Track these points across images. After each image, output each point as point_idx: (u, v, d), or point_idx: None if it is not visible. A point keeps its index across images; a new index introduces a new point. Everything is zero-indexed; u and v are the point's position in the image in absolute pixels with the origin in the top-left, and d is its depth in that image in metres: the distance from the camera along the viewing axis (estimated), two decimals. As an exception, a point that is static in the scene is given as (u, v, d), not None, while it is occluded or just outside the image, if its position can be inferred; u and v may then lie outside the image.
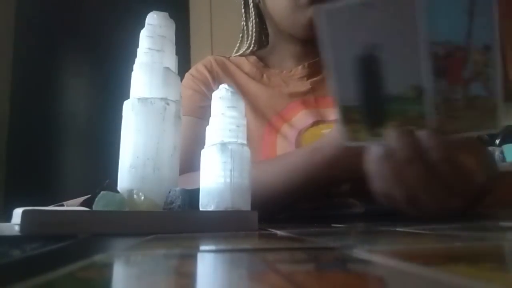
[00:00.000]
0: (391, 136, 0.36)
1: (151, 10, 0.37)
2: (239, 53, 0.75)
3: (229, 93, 0.37)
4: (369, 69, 0.36)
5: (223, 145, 0.35)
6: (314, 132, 0.61)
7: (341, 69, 0.37)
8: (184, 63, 0.43)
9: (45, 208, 0.29)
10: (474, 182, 0.37)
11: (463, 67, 0.33)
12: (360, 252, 0.17)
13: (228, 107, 0.36)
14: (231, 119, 0.36)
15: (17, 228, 0.26)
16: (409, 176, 0.36)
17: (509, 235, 0.25)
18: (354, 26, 0.35)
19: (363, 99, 0.37)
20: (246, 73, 0.70)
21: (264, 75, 0.70)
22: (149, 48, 0.35)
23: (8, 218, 0.29)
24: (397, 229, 0.30)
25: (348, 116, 0.39)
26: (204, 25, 1.87)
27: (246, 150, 0.36)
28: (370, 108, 0.38)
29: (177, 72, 0.37)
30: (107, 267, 0.15)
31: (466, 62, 0.33)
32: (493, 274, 0.12)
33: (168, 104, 0.34)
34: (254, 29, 0.73)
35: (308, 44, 0.66)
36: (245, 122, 0.37)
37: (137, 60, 0.36)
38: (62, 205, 0.40)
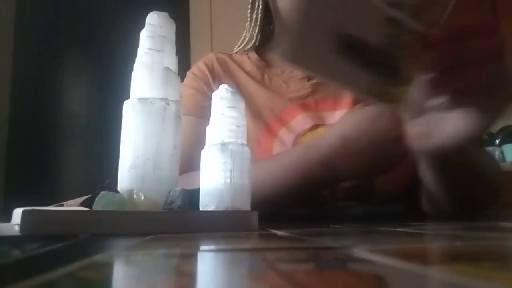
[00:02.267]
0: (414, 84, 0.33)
1: (151, 10, 0.37)
2: (241, 46, 0.73)
3: (229, 93, 0.37)
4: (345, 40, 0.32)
5: (223, 145, 0.35)
6: (312, 136, 0.59)
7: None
8: (184, 63, 0.43)
9: (45, 208, 0.29)
10: None
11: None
12: (360, 252, 0.17)
13: (228, 107, 0.36)
14: (231, 119, 0.36)
15: (17, 228, 0.26)
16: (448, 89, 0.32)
17: (509, 235, 0.25)
18: None
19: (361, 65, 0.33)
20: (247, 72, 0.69)
21: (265, 75, 0.69)
22: (149, 48, 0.35)
23: (8, 218, 0.29)
24: (397, 229, 0.30)
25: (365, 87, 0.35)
26: (204, 25, 1.87)
27: (246, 150, 0.36)
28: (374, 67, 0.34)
29: (177, 72, 0.37)
30: (107, 267, 0.15)
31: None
32: (493, 273, 0.12)
33: (168, 104, 0.35)
34: (258, 22, 0.70)
35: None
36: (245, 122, 0.37)
37: (137, 60, 0.36)
38: (62, 205, 0.40)
